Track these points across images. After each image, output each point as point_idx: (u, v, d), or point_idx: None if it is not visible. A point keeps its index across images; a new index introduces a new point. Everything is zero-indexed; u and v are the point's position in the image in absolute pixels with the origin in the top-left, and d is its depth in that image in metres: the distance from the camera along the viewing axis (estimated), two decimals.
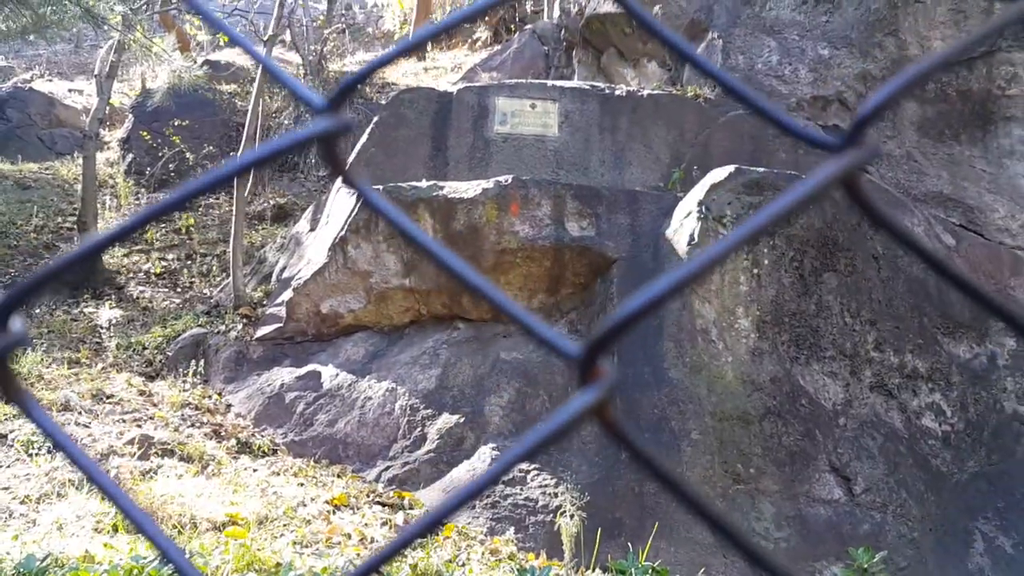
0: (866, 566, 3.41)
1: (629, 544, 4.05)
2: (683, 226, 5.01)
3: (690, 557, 4.13)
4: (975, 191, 5.16)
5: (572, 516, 4.06)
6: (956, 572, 4.14)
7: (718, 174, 5.03)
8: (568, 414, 0.38)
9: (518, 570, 3.75)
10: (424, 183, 5.58)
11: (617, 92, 5.93)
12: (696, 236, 4.89)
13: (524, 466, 4.68)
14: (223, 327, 6.01)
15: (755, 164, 4.95)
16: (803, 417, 4.52)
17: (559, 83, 5.88)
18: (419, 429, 5.00)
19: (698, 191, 5.02)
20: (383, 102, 7.31)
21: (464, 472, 4.76)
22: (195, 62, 10.65)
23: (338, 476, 4.85)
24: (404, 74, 9.25)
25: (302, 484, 4.79)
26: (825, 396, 4.57)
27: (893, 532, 4.27)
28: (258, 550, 4.03)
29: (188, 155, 9.08)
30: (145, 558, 3.29)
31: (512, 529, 4.43)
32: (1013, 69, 5.24)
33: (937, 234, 5.00)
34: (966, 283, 0.43)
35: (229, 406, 5.45)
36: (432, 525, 0.41)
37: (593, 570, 4.01)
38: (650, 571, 3.45)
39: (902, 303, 4.80)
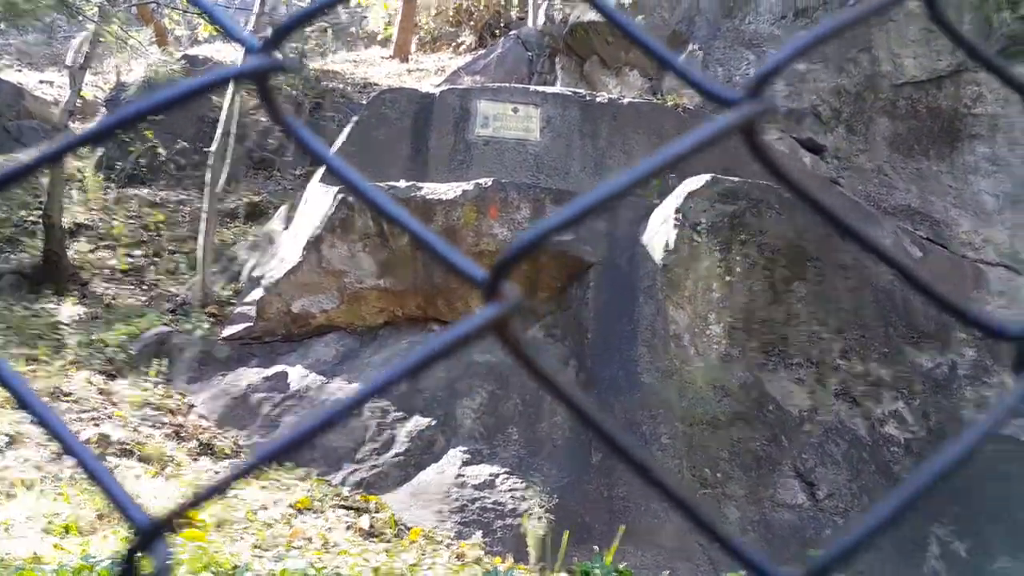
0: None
1: (597, 548, 4.13)
2: (659, 232, 5.15)
3: (656, 561, 4.23)
4: (942, 205, 5.38)
5: (539, 519, 4.14)
6: None
7: (695, 182, 5.18)
8: (469, 326, 0.40)
9: (483, 574, 3.81)
10: (403, 183, 5.66)
11: (598, 99, 6.08)
12: (672, 243, 5.03)
13: (493, 470, 4.75)
14: (189, 326, 6.01)
15: (730, 173, 5.12)
16: (770, 423, 4.66)
17: (542, 88, 6.02)
18: (388, 432, 5.04)
19: (675, 198, 5.17)
20: (364, 102, 7.39)
21: (432, 475, 4.81)
22: (172, 56, 10.64)
23: (302, 479, 4.87)
24: (387, 75, 9.34)
25: (264, 487, 4.81)
26: (791, 403, 4.72)
27: None
28: (215, 552, 4.04)
29: (160, 150, 9.06)
30: (94, 557, 3.29)
31: (479, 533, 4.49)
32: (979, 89, 5.49)
33: (904, 246, 5.20)
34: (882, 253, 0.48)
35: (192, 407, 5.45)
36: (308, 436, 0.40)
37: (559, 573, 4.08)
38: (614, 573, 3.53)
39: (869, 313, 4.97)
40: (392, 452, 4.98)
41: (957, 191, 5.43)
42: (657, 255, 5.05)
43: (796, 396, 4.76)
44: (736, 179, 5.12)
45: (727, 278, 4.93)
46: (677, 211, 5.05)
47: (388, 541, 4.46)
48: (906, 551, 4.52)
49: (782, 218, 5.01)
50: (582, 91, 6.19)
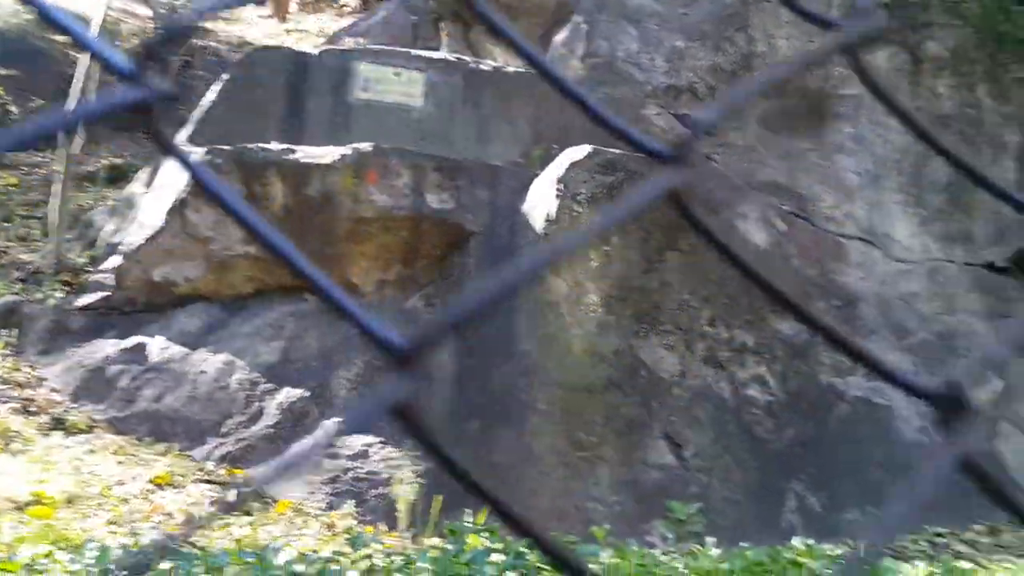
0: (683, 518, 3.77)
1: (469, 511, 4.23)
2: (540, 202, 5.27)
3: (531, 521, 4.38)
4: (807, 182, 5.80)
5: (410, 485, 4.20)
6: (771, 530, 4.65)
7: (576, 153, 5.33)
8: (108, 102, 0.41)
9: (350, 539, 3.83)
10: (276, 145, 5.52)
11: (483, 66, 6.13)
12: (553, 212, 5.17)
13: (367, 440, 4.76)
14: (41, 295, 5.66)
15: (611, 145, 5.29)
16: (641, 388, 4.91)
17: (425, 53, 6.01)
18: (257, 404, 4.95)
19: (556, 168, 5.30)
20: (237, 60, 7.12)
21: (304, 447, 4.76)
22: (24, 6, 9.83)
23: (162, 454, 4.72)
24: (264, 35, 9.01)
25: (121, 462, 4.63)
26: (662, 368, 4.98)
27: (717, 495, 4.74)
28: (64, 529, 3.87)
29: (12, 108, 8.39)
30: None
31: (352, 502, 4.50)
32: (845, 71, 5.93)
33: (771, 220, 5.58)
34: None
35: (43, 380, 5.15)
36: None
37: (430, 538, 4.16)
38: (484, 531, 3.63)
39: (735, 283, 5.30)
40: (261, 425, 4.89)
41: (822, 168, 5.87)
42: (538, 224, 5.17)
43: (666, 362, 5.03)
44: (615, 151, 5.30)
45: (604, 248, 5.12)
46: (559, 181, 5.19)
47: (253, 515, 4.39)
48: (765, 506, 4.89)
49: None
50: (467, 58, 6.22)
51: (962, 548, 4.89)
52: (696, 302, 5.19)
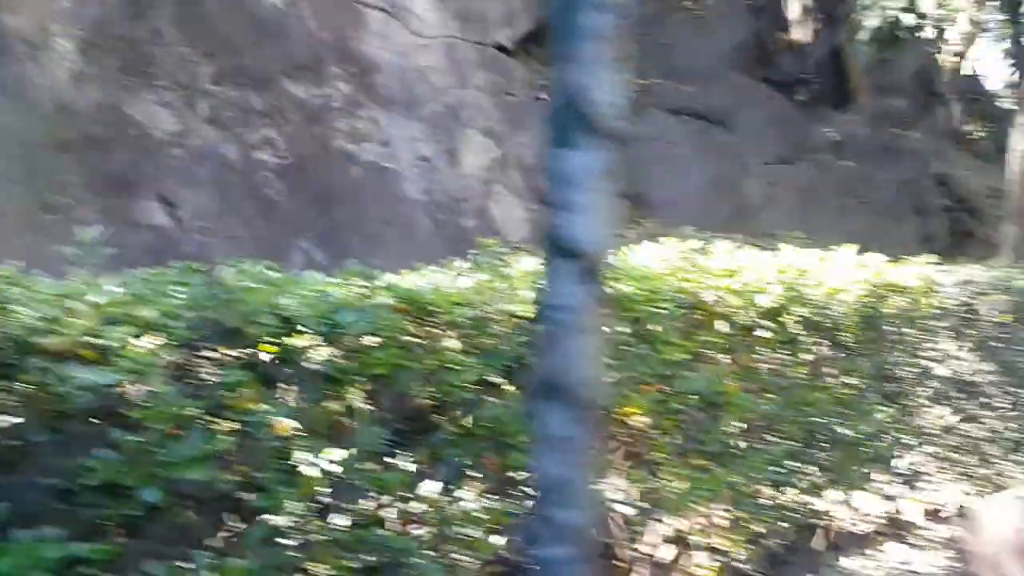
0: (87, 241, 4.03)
1: None
2: None
3: None
4: None
5: None
6: None
7: None
8: None
9: None
10: None
11: None
12: None
13: None
14: None
15: None
16: (131, 146, 4.92)
17: None
18: None
19: None
20: None
21: None
22: None
23: None
24: None
25: None
26: (156, 126, 5.02)
27: (219, 251, 5.11)
28: None
29: None
30: None
31: None
32: None
33: None
34: None
35: None
36: None
37: None
38: None
39: (242, 39, 5.45)
40: None
41: None
42: None
43: (162, 120, 5.07)
44: None
45: None
46: None
47: None
48: (275, 262, 5.46)
49: None
50: None
51: None
52: (197, 57, 5.23)
